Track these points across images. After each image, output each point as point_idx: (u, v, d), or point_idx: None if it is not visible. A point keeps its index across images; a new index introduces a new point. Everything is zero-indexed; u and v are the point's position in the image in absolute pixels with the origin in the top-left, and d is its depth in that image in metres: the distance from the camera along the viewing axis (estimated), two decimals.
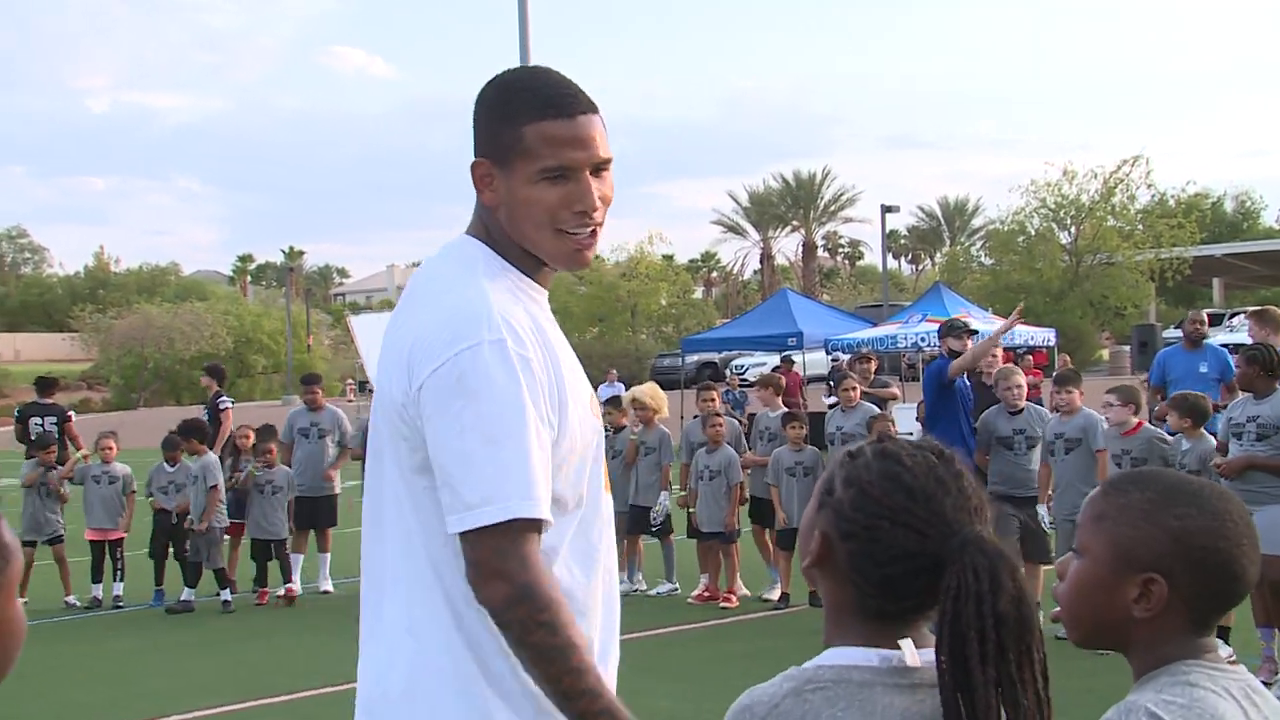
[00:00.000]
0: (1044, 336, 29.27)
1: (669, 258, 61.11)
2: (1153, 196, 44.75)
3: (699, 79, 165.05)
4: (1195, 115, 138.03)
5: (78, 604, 11.47)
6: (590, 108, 2.28)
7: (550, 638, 2.05)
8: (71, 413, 14.11)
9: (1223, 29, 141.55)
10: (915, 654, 1.67)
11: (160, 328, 56.95)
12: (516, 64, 23.10)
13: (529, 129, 2.22)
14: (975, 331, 14.85)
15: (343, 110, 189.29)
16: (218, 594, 11.31)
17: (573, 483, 2.26)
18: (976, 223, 73.05)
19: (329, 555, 12.06)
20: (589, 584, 2.31)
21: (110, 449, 11.98)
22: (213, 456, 11.65)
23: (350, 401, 11.53)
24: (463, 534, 2.10)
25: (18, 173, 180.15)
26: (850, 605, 1.72)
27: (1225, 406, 10.87)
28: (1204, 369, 10.91)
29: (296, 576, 11.88)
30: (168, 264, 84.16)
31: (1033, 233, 45.25)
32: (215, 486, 11.31)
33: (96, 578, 11.66)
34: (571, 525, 2.28)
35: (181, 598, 11.28)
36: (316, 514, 12.02)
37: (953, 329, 9.78)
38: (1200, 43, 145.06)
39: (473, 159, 2.30)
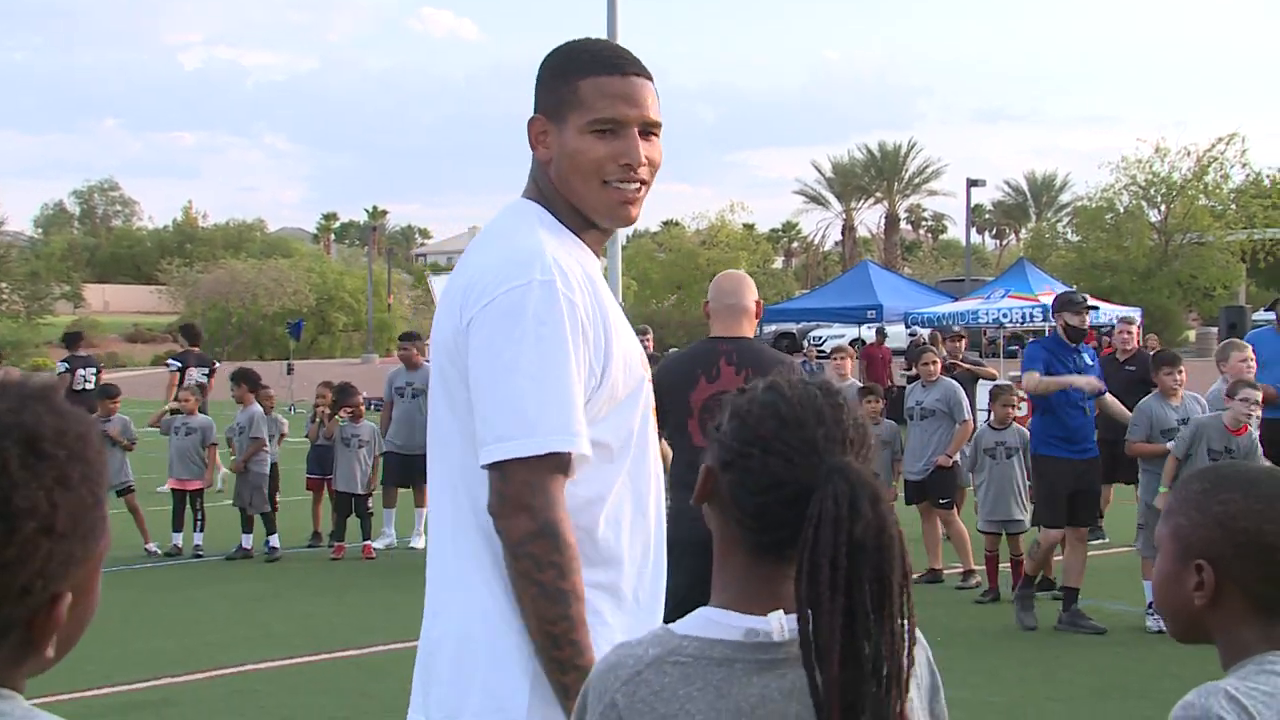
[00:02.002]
0: (1130, 315, 28.81)
1: (750, 227, 60.87)
2: (1247, 176, 43.82)
3: (787, 48, 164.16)
4: (1248, 99, 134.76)
5: (158, 551, 11.69)
6: (645, 72, 2.38)
7: (559, 580, 2.09)
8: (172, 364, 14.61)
9: None
10: (784, 626, 1.61)
11: (245, 283, 57.75)
12: (604, 29, 23.09)
13: (584, 82, 2.31)
14: (1095, 306, 14.60)
15: (430, 72, 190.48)
16: (266, 541, 11.60)
17: (615, 430, 2.28)
18: (1064, 199, 71.93)
19: (424, 511, 12.18)
20: (630, 536, 2.32)
21: (188, 400, 12.22)
22: (258, 408, 11.88)
23: (426, 363, 11.66)
24: (493, 465, 2.13)
25: (110, 126, 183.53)
26: (733, 540, 1.67)
27: None
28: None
29: (391, 529, 12.08)
30: (254, 220, 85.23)
31: (1122, 210, 44.49)
32: (257, 438, 11.62)
33: (177, 526, 11.88)
34: (619, 474, 2.30)
35: (240, 544, 11.65)
36: (413, 471, 12.16)
37: (1071, 303, 8.94)
38: (1249, 28, 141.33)
39: (532, 117, 2.39)
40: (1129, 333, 11.13)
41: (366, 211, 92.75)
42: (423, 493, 12.26)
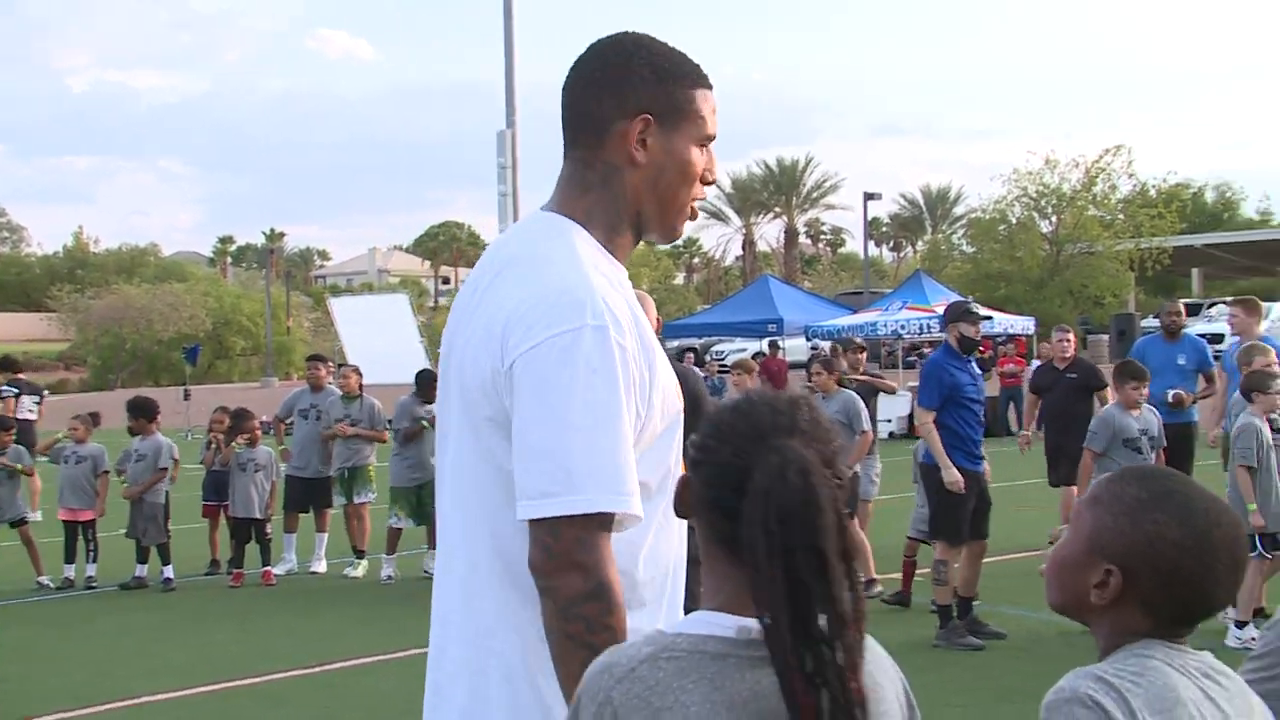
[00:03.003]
0: (1023, 325, 29.37)
1: (650, 243, 60.99)
2: (1134, 186, 44.82)
3: None
4: (1178, 107, 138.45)
5: (50, 584, 11.40)
6: None
7: (612, 641, 1.95)
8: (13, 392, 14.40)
9: (1206, 24, 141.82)
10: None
11: (139, 309, 56.72)
12: (500, 47, 23.01)
13: (698, 93, 2.26)
14: (988, 316, 14.78)
15: (326, 93, 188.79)
16: (161, 571, 11.39)
17: (653, 467, 2.18)
18: (958, 211, 73.09)
19: (325, 535, 12.11)
20: (671, 575, 2.25)
21: (76, 429, 11.97)
22: (162, 438, 11.68)
23: (330, 384, 11.52)
24: (539, 520, 2.00)
25: None
26: (710, 542, 1.71)
27: (1202, 397, 10.96)
28: (1182, 360, 10.94)
29: (292, 554, 11.93)
30: (147, 245, 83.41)
31: (1014, 221, 45.30)
32: (164, 469, 11.42)
33: (69, 558, 11.60)
34: (656, 512, 2.18)
35: (135, 574, 11.41)
36: (312, 495, 12.06)
37: (965, 313, 8.87)
38: (1184, 36, 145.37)
39: (626, 115, 2.21)
40: (1067, 340, 11.30)
41: (264, 234, 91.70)
42: (324, 517, 12.14)
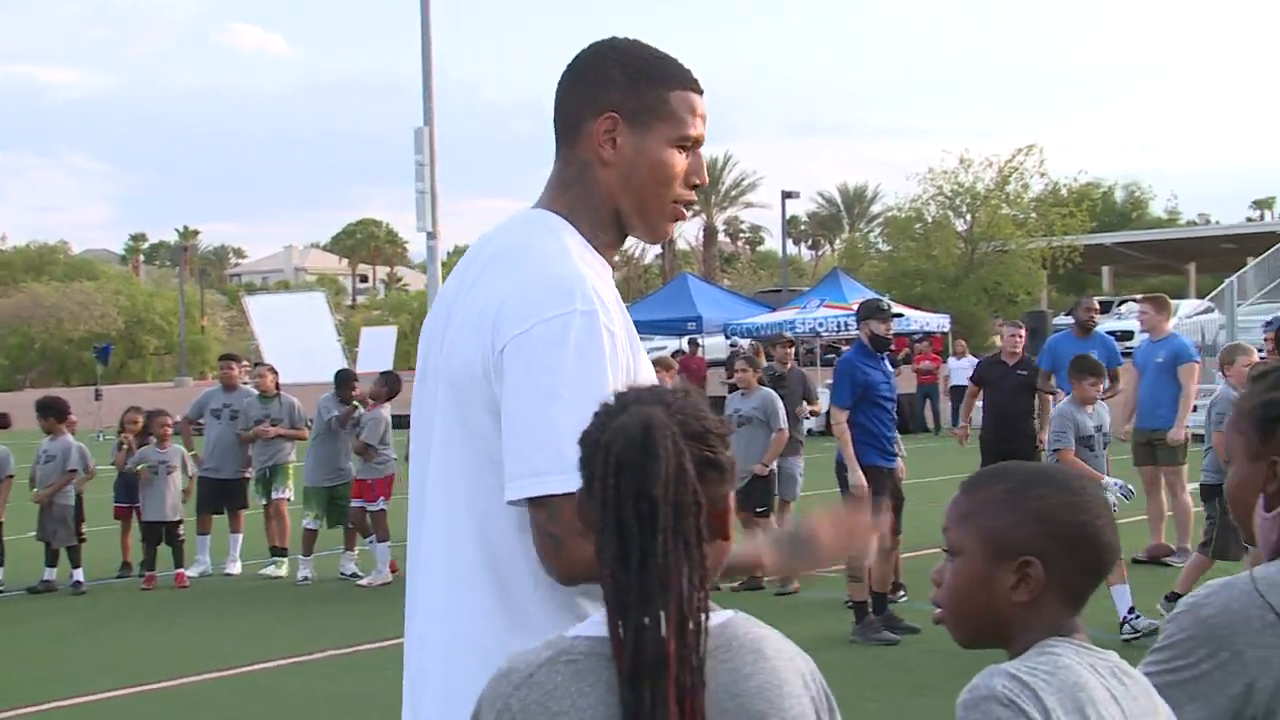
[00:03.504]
0: (939, 322, 29.74)
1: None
2: (1046, 185, 45.52)
3: None
4: (1090, 107, 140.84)
5: None
6: None
7: None
8: None
9: (1119, 25, 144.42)
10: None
11: (48, 307, 55.70)
12: (418, 43, 22.85)
13: (674, 94, 2.27)
14: (900, 314, 14.91)
15: (241, 89, 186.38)
16: (71, 574, 11.19)
17: None
18: (875, 209, 73.81)
19: (240, 536, 11.95)
20: None
21: None
22: (71, 439, 11.44)
23: (246, 384, 11.32)
24: (536, 501, 2.00)
25: None
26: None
27: (1109, 396, 11.16)
28: (1094, 356, 11.12)
29: (205, 556, 11.77)
30: (57, 242, 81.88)
31: (930, 220, 45.82)
32: (73, 470, 11.22)
33: None
34: None
35: (44, 578, 11.20)
36: (226, 496, 11.91)
37: (877, 311, 8.90)
38: (1097, 37, 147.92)
39: (595, 113, 2.26)
40: (1019, 336, 11.44)
41: (177, 232, 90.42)
42: (238, 518, 11.99)
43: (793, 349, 14.15)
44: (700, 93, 2.32)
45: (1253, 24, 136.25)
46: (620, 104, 2.25)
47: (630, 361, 2.17)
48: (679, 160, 2.28)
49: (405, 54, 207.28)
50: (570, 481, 1.92)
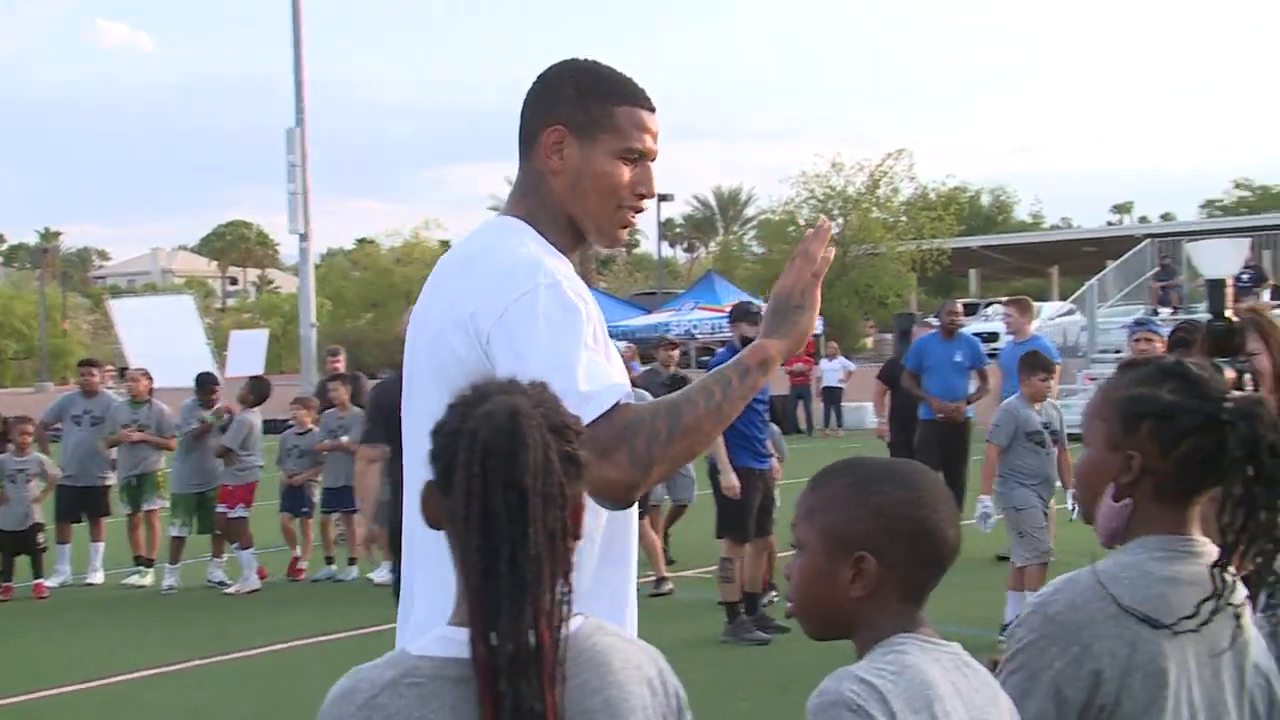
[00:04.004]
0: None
1: (446, 244, 60.59)
2: (915, 190, 46.40)
3: (479, 65, 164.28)
4: (957, 113, 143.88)
5: None
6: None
7: (679, 423, 2.18)
8: None
9: (985, 32, 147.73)
10: None
11: None
12: (289, 41, 22.49)
13: (620, 110, 2.43)
14: None
15: (106, 87, 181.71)
16: None
17: None
18: (750, 212, 74.55)
19: (102, 545, 11.64)
20: (627, 537, 2.43)
21: None
22: None
23: (111, 388, 11.04)
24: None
25: None
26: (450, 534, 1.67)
27: (976, 398, 11.40)
28: (958, 358, 11.36)
29: (65, 565, 11.45)
30: None
31: (803, 223, 46.40)
32: None
33: None
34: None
35: None
36: (88, 503, 11.59)
37: (747, 314, 9.03)
38: (965, 44, 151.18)
39: (545, 126, 2.43)
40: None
41: (38, 233, 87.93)
42: (99, 526, 11.67)
43: (676, 351, 14.21)
44: (651, 110, 2.48)
45: (1112, 31, 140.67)
46: (569, 118, 2.42)
47: (602, 336, 2.29)
48: (623, 171, 2.43)
49: (276, 53, 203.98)
50: (608, 397, 2.14)
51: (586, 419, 2.00)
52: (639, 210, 2.50)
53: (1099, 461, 2.21)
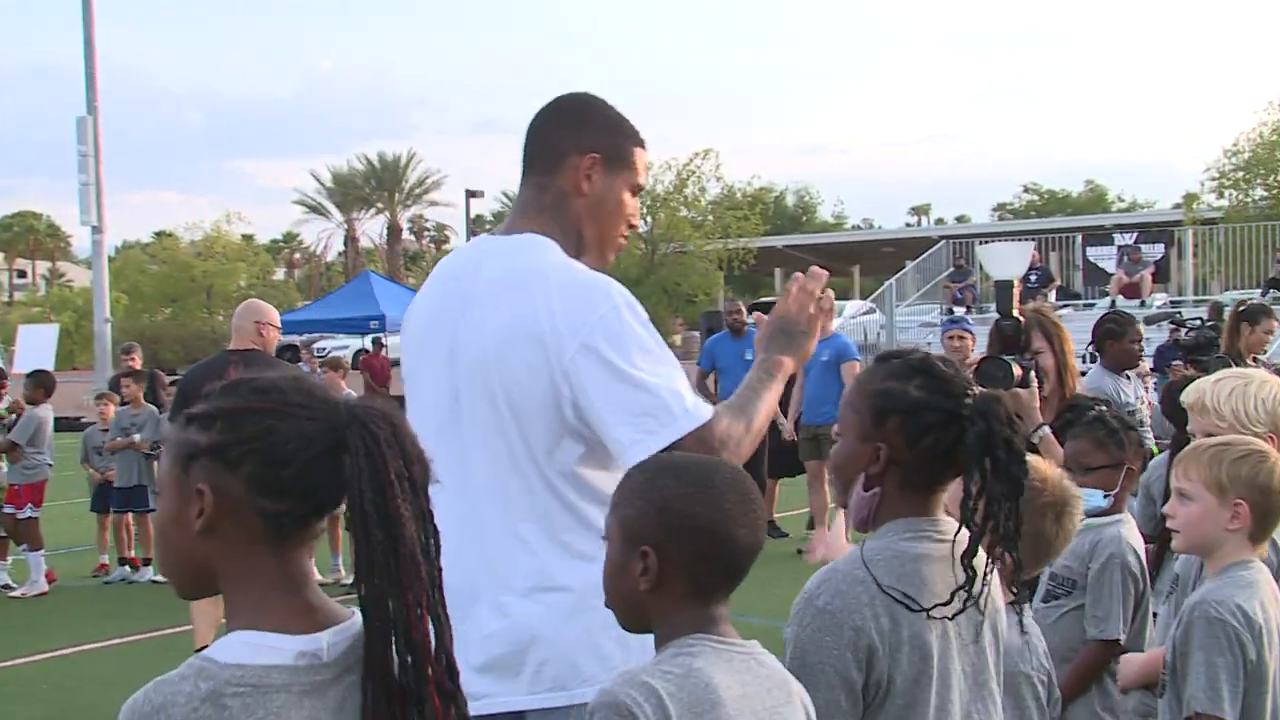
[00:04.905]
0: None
1: (249, 237, 59.25)
2: (722, 189, 47.05)
3: (279, 56, 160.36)
4: (762, 113, 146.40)
5: None
6: None
7: (751, 422, 2.59)
8: None
9: (786, 36, 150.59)
10: (330, 647, 1.61)
11: None
12: (79, 31, 21.69)
13: (636, 151, 2.79)
14: None
15: None
16: None
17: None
18: None
19: None
20: None
21: None
22: None
23: None
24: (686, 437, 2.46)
25: None
26: (252, 543, 1.62)
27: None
28: (749, 355, 11.53)
29: None
30: None
31: None
32: None
33: None
34: None
35: None
36: None
37: None
38: (769, 46, 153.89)
39: (579, 152, 2.71)
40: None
41: None
42: None
43: None
44: (646, 150, 2.83)
45: (905, 35, 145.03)
46: (604, 149, 2.73)
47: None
48: (631, 203, 2.80)
49: (67, 39, 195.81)
50: (701, 413, 2.50)
51: (691, 427, 2.45)
52: (628, 236, 2.86)
53: (851, 452, 2.29)
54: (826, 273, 2.98)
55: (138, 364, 13.92)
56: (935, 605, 2.16)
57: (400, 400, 2.33)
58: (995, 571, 2.25)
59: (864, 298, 39.33)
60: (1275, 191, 34.65)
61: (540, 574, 2.52)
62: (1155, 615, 3.89)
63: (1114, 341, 6.84)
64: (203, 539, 1.62)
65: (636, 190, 2.80)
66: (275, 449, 1.58)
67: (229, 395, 1.63)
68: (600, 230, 2.76)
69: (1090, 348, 7.63)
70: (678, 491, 1.95)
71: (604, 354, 2.47)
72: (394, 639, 1.56)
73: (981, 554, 2.18)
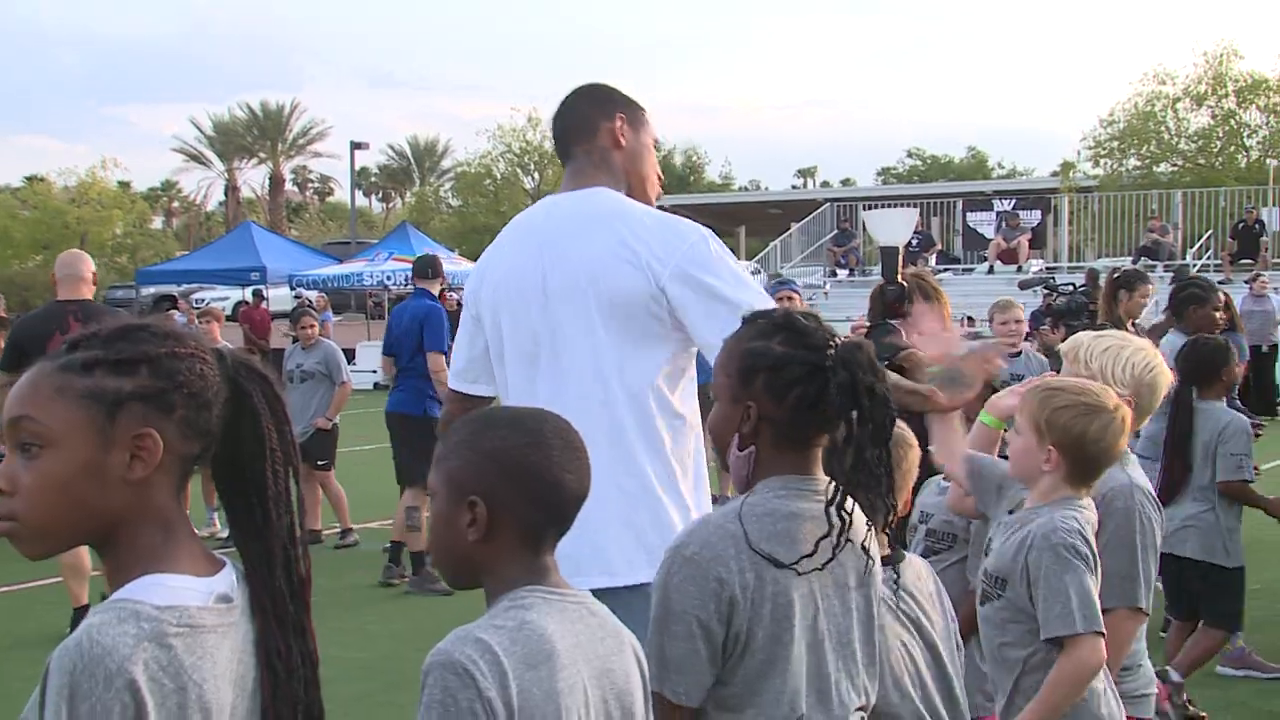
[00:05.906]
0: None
1: (125, 185, 57.73)
2: None
3: None
4: (651, 74, 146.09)
5: None
6: None
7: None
8: None
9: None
10: (232, 583, 1.69)
11: None
12: None
13: (645, 113, 3.30)
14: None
15: None
16: None
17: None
18: (446, 164, 73.88)
19: None
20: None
21: None
22: None
23: None
24: None
25: None
26: (172, 483, 1.69)
27: None
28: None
29: None
30: None
31: (499, 177, 46.40)
32: None
33: None
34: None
35: None
36: None
37: (430, 266, 9.27)
38: (661, 6, 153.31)
39: (607, 118, 3.20)
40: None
41: None
42: None
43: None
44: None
45: (794, 1, 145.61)
46: (626, 112, 3.23)
47: None
48: (654, 153, 3.29)
49: None
50: None
51: None
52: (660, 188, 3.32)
53: (725, 414, 2.32)
54: (1001, 364, 3.43)
55: (1, 311, 13.58)
56: (801, 558, 2.19)
57: (279, 354, 2.36)
58: (871, 529, 2.30)
59: (749, 259, 39.62)
60: (1148, 161, 35.59)
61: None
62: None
63: (1198, 307, 6.97)
64: (123, 487, 1.61)
65: (653, 145, 3.29)
66: (203, 393, 1.64)
67: (138, 341, 1.65)
68: (642, 174, 3.23)
69: (1167, 312, 7.81)
70: (506, 440, 1.96)
71: (699, 277, 2.91)
72: (274, 574, 1.69)
73: (852, 503, 2.20)
